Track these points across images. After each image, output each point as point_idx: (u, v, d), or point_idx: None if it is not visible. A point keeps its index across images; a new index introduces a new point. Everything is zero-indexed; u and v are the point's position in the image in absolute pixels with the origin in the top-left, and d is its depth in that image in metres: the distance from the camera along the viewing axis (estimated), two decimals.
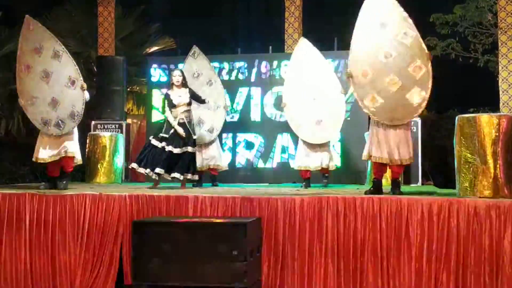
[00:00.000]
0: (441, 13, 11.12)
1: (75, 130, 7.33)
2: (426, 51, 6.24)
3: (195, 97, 7.86)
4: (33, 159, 7.21)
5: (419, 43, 6.24)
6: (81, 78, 7.12)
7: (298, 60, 8.24)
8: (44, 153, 7.10)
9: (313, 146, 8.06)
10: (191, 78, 8.49)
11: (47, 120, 7.07)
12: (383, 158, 6.29)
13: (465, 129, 5.68)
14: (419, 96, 6.20)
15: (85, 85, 7.12)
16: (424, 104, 6.26)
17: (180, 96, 7.65)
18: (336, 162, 8.42)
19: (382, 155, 6.28)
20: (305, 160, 8.07)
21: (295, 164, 8.25)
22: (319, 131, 8.00)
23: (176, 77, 7.69)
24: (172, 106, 7.62)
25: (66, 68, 7.10)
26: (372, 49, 6.31)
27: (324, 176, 8.37)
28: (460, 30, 11.14)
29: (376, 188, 6.37)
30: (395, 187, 6.38)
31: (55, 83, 7.07)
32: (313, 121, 7.98)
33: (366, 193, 6.19)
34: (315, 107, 7.99)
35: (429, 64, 6.19)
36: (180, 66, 8.85)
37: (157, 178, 7.50)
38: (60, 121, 7.06)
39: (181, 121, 7.55)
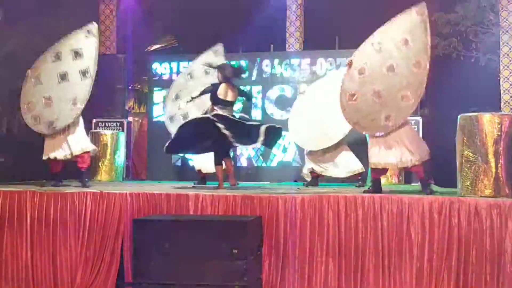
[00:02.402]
0: (442, 12, 11.10)
1: (80, 122, 7.41)
2: (423, 89, 6.22)
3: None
4: (44, 158, 7.29)
5: (423, 78, 6.20)
6: (83, 103, 7.21)
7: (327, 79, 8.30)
8: (55, 153, 7.22)
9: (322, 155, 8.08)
10: (201, 72, 8.49)
11: (37, 112, 7.17)
12: (380, 163, 6.33)
13: (467, 128, 5.68)
14: (389, 122, 6.20)
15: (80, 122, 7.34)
16: (389, 129, 6.23)
17: None
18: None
19: (380, 161, 6.31)
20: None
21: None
22: (313, 138, 8.05)
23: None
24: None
25: (78, 88, 7.20)
26: (383, 55, 6.30)
27: (357, 180, 8.15)
28: (461, 29, 11.11)
29: (376, 187, 6.39)
30: (423, 187, 6.37)
31: (62, 89, 7.19)
32: (309, 127, 8.03)
33: (365, 192, 6.19)
34: (314, 115, 8.05)
35: (418, 102, 6.26)
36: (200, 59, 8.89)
37: None
38: (35, 118, 7.18)
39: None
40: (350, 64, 6.44)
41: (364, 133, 6.34)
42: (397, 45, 6.28)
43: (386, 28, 6.42)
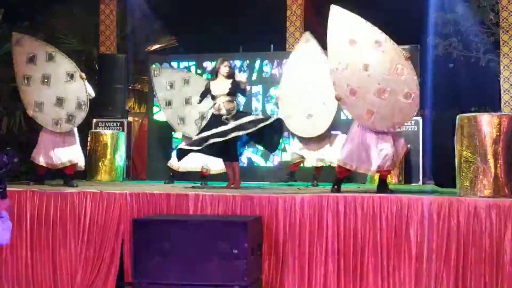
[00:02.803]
0: (443, 12, 11.11)
1: (75, 132, 7.65)
2: (403, 51, 6.30)
3: (238, 88, 7.36)
4: (31, 159, 7.54)
5: (393, 47, 6.30)
6: (78, 70, 7.51)
7: (299, 53, 8.31)
8: (43, 158, 7.48)
9: (309, 143, 8.10)
10: (166, 91, 8.65)
11: (58, 120, 7.44)
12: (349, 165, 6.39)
13: (466, 129, 5.68)
14: (411, 95, 6.24)
15: (83, 75, 7.52)
16: (417, 102, 6.31)
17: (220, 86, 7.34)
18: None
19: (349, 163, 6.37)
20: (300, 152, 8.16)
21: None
22: (309, 125, 8.04)
23: (226, 68, 7.33)
24: (212, 97, 7.36)
25: (62, 65, 7.52)
26: (351, 66, 6.35)
27: (314, 176, 8.23)
28: (462, 29, 11.11)
29: (339, 186, 6.49)
30: (383, 186, 6.45)
31: (55, 83, 7.47)
32: (304, 115, 8.03)
33: (332, 191, 6.29)
34: (308, 101, 8.03)
35: (409, 63, 6.27)
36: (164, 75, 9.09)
37: None
38: (70, 116, 7.44)
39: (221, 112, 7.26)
40: (339, 98, 6.47)
41: (406, 124, 6.41)
42: (349, 49, 6.36)
43: (329, 46, 6.49)
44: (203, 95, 7.51)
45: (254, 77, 10.24)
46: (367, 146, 6.32)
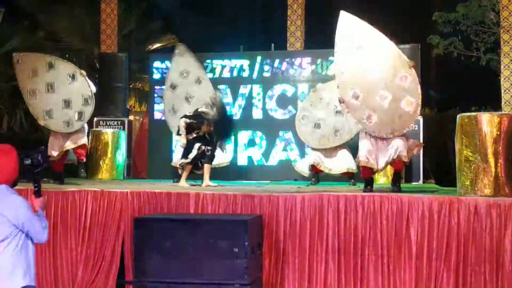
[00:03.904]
0: (443, 11, 11.11)
1: (85, 130, 7.96)
2: (407, 60, 6.33)
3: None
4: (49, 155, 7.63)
5: (398, 54, 6.35)
6: (77, 68, 7.80)
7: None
8: (54, 152, 7.67)
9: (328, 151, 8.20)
10: (179, 78, 8.58)
11: (68, 120, 7.72)
12: (370, 163, 6.41)
13: (466, 128, 5.69)
14: (412, 104, 6.26)
15: (83, 72, 7.78)
16: (418, 110, 6.35)
17: None
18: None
19: (369, 160, 6.39)
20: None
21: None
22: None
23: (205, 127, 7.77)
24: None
25: (63, 70, 7.81)
26: (356, 71, 6.40)
27: (349, 178, 8.34)
28: (462, 28, 11.12)
29: (371, 185, 6.51)
30: (395, 180, 6.53)
31: (59, 87, 7.74)
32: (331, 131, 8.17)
33: (364, 191, 6.22)
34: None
35: (413, 71, 6.29)
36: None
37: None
38: (79, 114, 7.73)
39: None
40: (343, 101, 6.51)
41: (406, 131, 6.41)
42: (356, 54, 6.41)
43: (337, 51, 6.49)
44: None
45: (254, 76, 10.24)
46: (380, 145, 6.37)
